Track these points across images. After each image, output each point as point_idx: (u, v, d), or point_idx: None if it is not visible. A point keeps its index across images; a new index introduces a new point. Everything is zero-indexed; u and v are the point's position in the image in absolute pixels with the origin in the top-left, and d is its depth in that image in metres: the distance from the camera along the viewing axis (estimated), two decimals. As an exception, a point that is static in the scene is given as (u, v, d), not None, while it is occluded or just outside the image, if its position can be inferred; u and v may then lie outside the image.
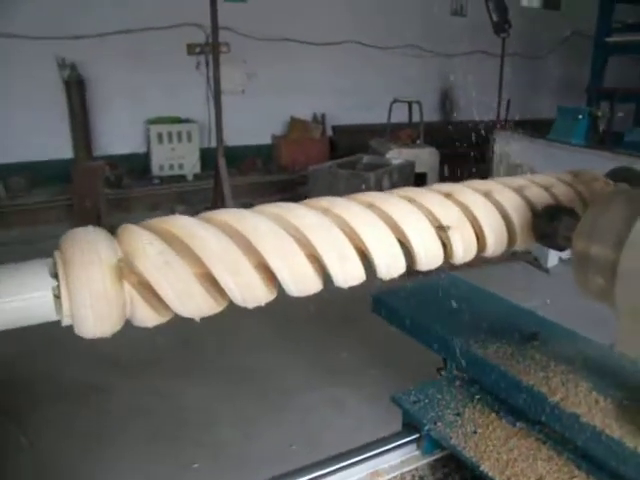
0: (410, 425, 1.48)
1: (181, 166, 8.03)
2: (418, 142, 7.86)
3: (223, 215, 0.80)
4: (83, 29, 7.37)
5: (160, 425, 3.20)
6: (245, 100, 8.65)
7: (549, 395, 1.23)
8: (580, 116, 6.33)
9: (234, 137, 7.96)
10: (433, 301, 1.70)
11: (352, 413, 3.31)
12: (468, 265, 1.01)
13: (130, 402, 3.40)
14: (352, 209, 0.86)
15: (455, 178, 1.14)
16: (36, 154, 7.34)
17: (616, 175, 1.15)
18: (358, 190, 0.93)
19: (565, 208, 0.99)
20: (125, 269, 0.71)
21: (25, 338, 1.62)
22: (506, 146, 6.52)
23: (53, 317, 0.70)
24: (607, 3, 8.98)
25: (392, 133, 8.00)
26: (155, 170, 7.92)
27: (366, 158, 7.14)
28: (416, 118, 8.05)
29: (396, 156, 7.12)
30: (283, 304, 0.84)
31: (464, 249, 0.93)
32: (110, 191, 6.95)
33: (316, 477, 1.32)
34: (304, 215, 0.82)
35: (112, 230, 0.76)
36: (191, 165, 8.05)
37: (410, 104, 8.30)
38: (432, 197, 0.96)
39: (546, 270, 5.47)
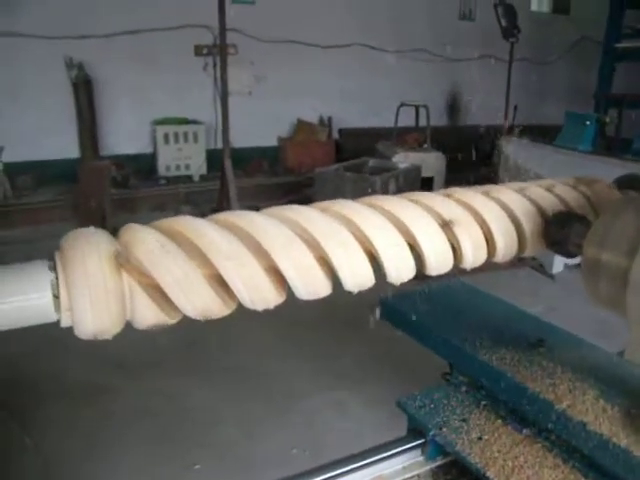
0: (415, 430, 1.47)
1: (187, 167, 8.04)
2: (425, 146, 7.85)
3: (233, 217, 0.80)
4: (91, 29, 7.41)
5: (164, 426, 3.19)
6: (252, 102, 8.67)
7: (556, 402, 1.22)
8: (588, 122, 6.31)
9: (240, 139, 7.97)
10: (439, 306, 1.69)
11: (355, 417, 3.30)
12: (474, 270, 1.00)
13: (134, 403, 3.40)
14: (362, 212, 0.86)
15: (461, 183, 1.13)
16: (43, 153, 7.37)
17: (623, 182, 1.15)
18: (364, 193, 0.93)
19: (576, 215, 0.98)
20: (122, 258, 0.70)
21: (29, 338, 1.62)
22: (513, 151, 6.50)
23: (53, 318, 0.70)
24: (617, 9, 8.96)
25: (399, 137, 8.00)
26: (161, 170, 7.94)
27: (372, 161, 7.14)
28: (423, 122, 8.05)
29: (402, 160, 7.12)
30: (288, 307, 0.83)
31: (474, 254, 0.93)
32: (115, 191, 6.96)
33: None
34: (314, 218, 0.82)
35: (116, 231, 0.76)
36: (197, 166, 8.07)
37: (417, 108, 8.30)
38: (441, 201, 0.95)
39: (551, 276, 5.45)
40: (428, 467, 1.45)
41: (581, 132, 6.29)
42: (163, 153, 7.91)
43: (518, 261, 5.19)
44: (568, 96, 11.40)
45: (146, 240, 0.72)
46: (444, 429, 1.40)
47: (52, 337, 1.79)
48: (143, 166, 7.94)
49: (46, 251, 0.72)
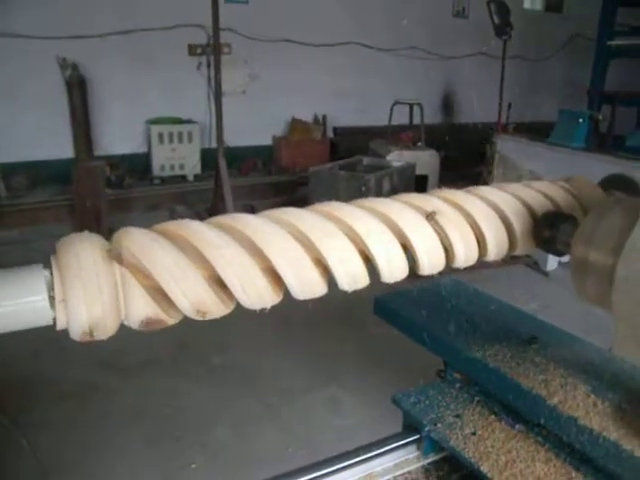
0: (410, 426, 1.49)
1: (182, 166, 8.04)
2: (419, 144, 7.87)
3: (230, 220, 0.82)
4: (84, 29, 7.38)
5: (160, 425, 3.21)
6: (246, 101, 8.67)
7: (547, 398, 1.24)
8: (581, 119, 6.32)
9: (235, 138, 7.97)
10: (434, 303, 1.71)
11: (351, 415, 3.32)
12: (468, 268, 1.02)
13: (131, 403, 3.41)
14: (356, 214, 0.88)
15: (456, 180, 1.15)
16: (37, 154, 7.35)
17: (609, 182, 1.16)
18: (358, 192, 0.96)
19: (565, 214, 1.00)
20: (115, 252, 0.73)
21: (25, 339, 1.63)
22: (507, 149, 6.53)
23: (49, 320, 0.72)
24: (609, 6, 8.98)
25: (393, 135, 8.01)
26: (156, 170, 7.93)
27: (366, 160, 7.15)
28: (417, 120, 8.07)
29: (397, 158, 7.13)
30: (284, 305, 0.85)
31: (466, 253, 0.95)
32: (110, 191, 6.95)
33: (314, 478, 1.33)
34: (309, 220, 0.84)
35: (112, 231, 0.78)
36: (192, 165, 8.06)
37: (411, 106, 8.32)
38: (433, 203, 0.97)
39: (546, 273, 5.49)
40: (420, 464, 1.46)
41: (574, 129, 6.31)
42: (157, 153, 7.89)
43: (512, 259, 5.22)
44: (561, 93, 11.45)
45: (137, 233, 0.76)
46: (439, 425, 1.42)
47: (48, 339, 1.80)
48: (137, 166, 7.92)
49: (41, 251, 0.74)
